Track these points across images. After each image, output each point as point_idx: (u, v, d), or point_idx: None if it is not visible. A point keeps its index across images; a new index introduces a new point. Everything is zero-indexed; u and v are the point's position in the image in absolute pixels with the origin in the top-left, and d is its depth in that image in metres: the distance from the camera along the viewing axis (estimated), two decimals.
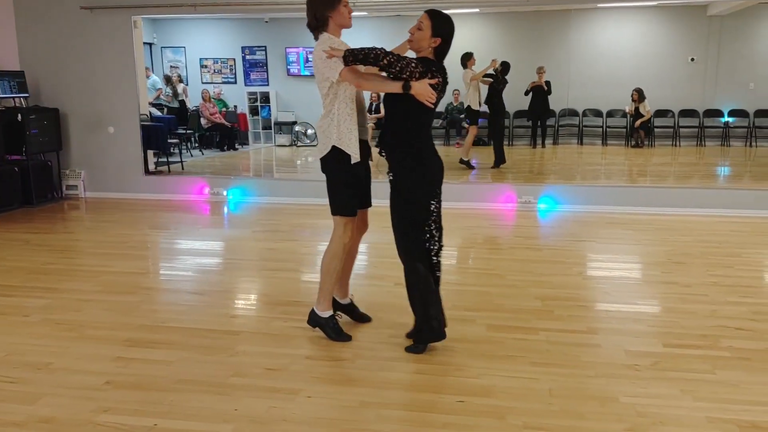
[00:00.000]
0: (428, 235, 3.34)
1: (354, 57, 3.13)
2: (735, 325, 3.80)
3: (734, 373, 3.18)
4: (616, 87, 12.04)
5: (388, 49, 3.19)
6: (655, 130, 12.25)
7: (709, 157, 11.43)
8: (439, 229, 3.40)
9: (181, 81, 13.12)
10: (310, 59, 13.36)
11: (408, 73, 3.07)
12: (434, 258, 3.40)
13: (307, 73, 13.47)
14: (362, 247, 5.87)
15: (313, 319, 3.65)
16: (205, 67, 14.09)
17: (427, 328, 3.40)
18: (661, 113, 12.27)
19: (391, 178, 3.34)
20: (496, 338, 3.61)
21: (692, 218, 6.71)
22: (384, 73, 3.23)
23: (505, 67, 10.04)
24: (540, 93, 11.45)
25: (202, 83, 13.93)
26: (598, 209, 7.07)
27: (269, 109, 13.81)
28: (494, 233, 6.26)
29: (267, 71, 13.85)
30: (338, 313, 3.71)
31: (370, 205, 3.68)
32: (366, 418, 2.78)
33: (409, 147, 3.25)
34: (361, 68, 3.31)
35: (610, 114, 12.45)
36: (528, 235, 6.21)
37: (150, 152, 8.62)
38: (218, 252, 5.71)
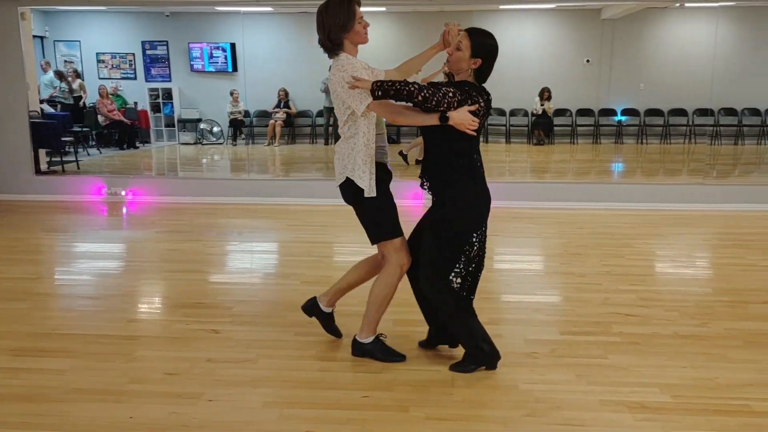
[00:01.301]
0: (459, 280, 3.11)
1: (384, 93, 2.82)
2: (625, 311, 4.01)
3: (624, 357, 3.35)
4: (518, 87, 12.43)
5: (419, 82, 2.94)
6: (554, 128, 12.77)
7: (604, 154, 12.04)
8: (478, 264, 3.14)
9: (78, 76, 12.47)
10: (215, 55, 13.05)
11: (445, 106, 2.81)
12: (464, 293, 3.15)
13: (211, 69, 13.13)
14: (271, 246, 5.82)
15: (359, 349, 3.32)
16: (103, 62, 13.45)
17: (479, 354, 3.15)
18: (559, 112, 12.80)
19: (431, 206, 3.15)
20: (400, 332, 3.63)
21: (588, 211, 7.04)
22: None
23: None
24: None
25: (100, 79, 13.29)
26: (503, 204, 7.28)
27: (172, 106, 13.36)
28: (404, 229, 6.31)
29: (169, 67, 13.38)
30: (382, 334, 3.36)
31: None
32: (269, 418, 2.73)
33: (452, 177, 3.00)
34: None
35: (513, 113, 12.86)
36: None
37: (42, 151, 8.13)
38: (117, 255, 5.46)
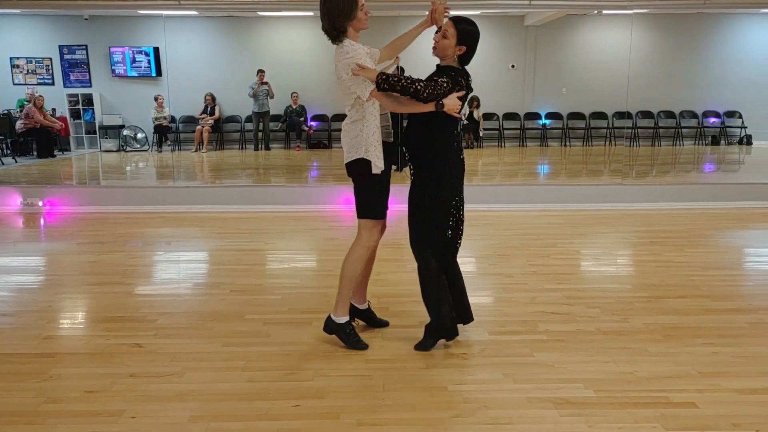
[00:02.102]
0: (450, 232, 3.43)
1: (390, 87, 3.11)
2: (551, 310, 4.11)
3: (550, 354, 3.43)
4: None
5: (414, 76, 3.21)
6: (482, 132, 13.02)
7: (529, 156, 12.35)
8: (459, 226, 3.50)
9: None
10: (137, 59, 12.65)
11: (435, 96, 3.11)
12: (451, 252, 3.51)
13: (134, 73, 12.73)
14: (199, 255, 5.67)
15: (329, 326, 3.53)
16: (17, 67, 12.83)
17: (439, 326, 3.43)
18: (487, 116, 13.06)
19: (412, 176, 3.42)
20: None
21: (515, 213, 7.20)
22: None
23: (402, 72, 10.18)
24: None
25: (14, 84, 12.68)
26: None
27: (93, 113, 12.88)
28: (332, 234, 6.29)
29: (89, 72, 12.90)
30: (355, 319, 3.62)
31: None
32: None
33: (433, 150, 3.30)
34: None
35: None
36: None
37: None
38: (33, 268, 5.20)
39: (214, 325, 3.84)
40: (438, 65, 3.39)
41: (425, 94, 3.10)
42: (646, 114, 13.22)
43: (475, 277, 4.89)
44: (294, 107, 12.55)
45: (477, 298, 4.38)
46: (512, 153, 12.69)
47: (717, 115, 13.29)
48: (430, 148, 3.31)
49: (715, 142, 13.27)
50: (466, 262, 5.39)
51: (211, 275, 4.98)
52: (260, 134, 12.21)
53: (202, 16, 12.12)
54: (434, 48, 3.32)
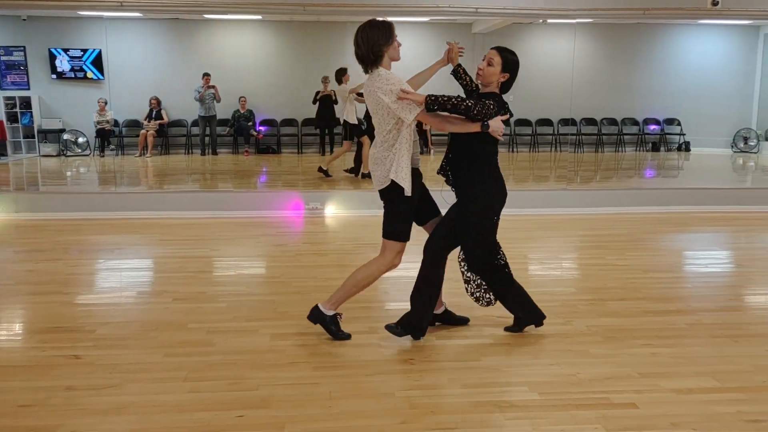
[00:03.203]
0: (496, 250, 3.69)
1: (439, 105, 3.27)
2: (498, 313, 4.13)
3: (496, 357, 3.47)
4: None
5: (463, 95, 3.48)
6: (432, 137, 13.12)
7: None
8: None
9: None
10: (78, 61, 12.27)
11: (484, 116, 3.29)
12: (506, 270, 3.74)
13: (75, 76, 12.34)
14: (141, 262, 5.52)
15: (315, 315, 3.65)
16: None
17: (417, 325, 3.60)
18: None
19: (455, 196, 3.66)
20: (278, 347, 3.56)
21: None
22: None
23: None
24: (327, 102, 11.68)
25: None
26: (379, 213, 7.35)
27: (31, 116, 12.44)
28: (281, 240, 6.22)
29: (27, 74, 12.45)
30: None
31: (439, 213, 3.78)
32: None
33: (483, 174, 3.50)
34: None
35: None
36: (315, 240, 6.26)
37: None
38: None
39: (155, 335, 3.74)
40: (479, 92, 3.59)
41: (475, 111, 3.26)
42: (590, 121, 13.56)
43: None
44: (242, 112, 12.40)
45: None
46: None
47: (657, 122, 13.73)
48: (471, 169, 3.50)
49: (656, 148, 13.70)
50: (411, 267, 5.40)
51: (154, 283, 4.85)
52: (207, 139, 12.02)
53: (147, 18, 11.87)
54: (478, 75, 3.53)
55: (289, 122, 12.58)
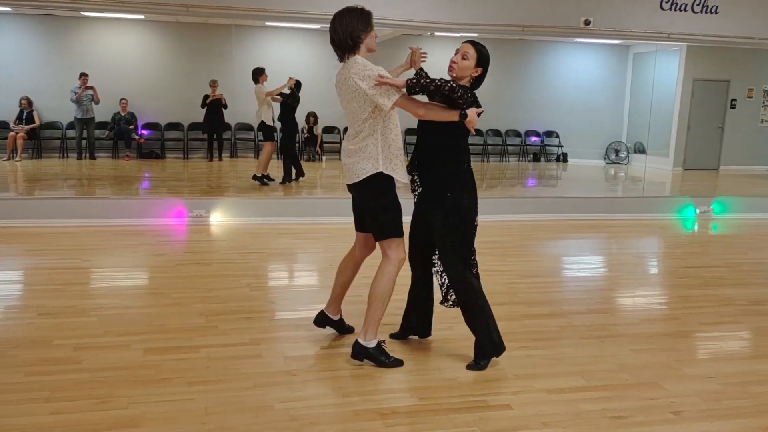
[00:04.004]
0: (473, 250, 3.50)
1: (422, 87, 3.26)
2: (384, 320, 4.12)
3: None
4: None
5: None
6: (325, 145, 13.09)
7: None
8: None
9: None
10: None
11: (464, 101, 3.25)
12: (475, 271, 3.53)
13: None
14: (6, 275, 5.10)
15: (358, 352, 3.43)
16: None
17: (489, 342, 3.44)
18: (329, 129, 13.15)
19: (417, 196, 3.54)
20: (152, 362, 3.38)
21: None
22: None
23: (299, 85, 9.91)
24: (217, 106, 11.37)
25: None
26: (271, 221, 7.23)
27: None
28: (161, 250, 5.95)
29: None
30: (383, 340, 3.52)
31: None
32: None
33: (459, 168, 3.39)
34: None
35: None
36: (197, 249, 6.05)
37: None
38: None
39: (16, 353, 3.45)
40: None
41: (459, 93, 3.23)
42: (477, 132, 14.04)
43: (310, 292, 4.86)
44: (123, 114, 11.81)
45: (310, 312, 4.32)
46: None
47: (537, 134, 14.42)
48: (443, 165, 3.40)
49: (536, 159, 14.39)
50: (305, 275, 5.35)
51: (17, 298, 4.49)
52: (84, 142, 11.34)
53: (17, 14, 11.06)
54: (451, 69, 3.43)
55: (174, 126, 12.12)
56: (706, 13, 8.28)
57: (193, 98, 11.18)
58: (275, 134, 9.99)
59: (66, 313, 4.11)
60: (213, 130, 11.69)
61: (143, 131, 11.91)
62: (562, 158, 14.35)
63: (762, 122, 13.57)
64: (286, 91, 9.94)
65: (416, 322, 3.83)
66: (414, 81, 3.26)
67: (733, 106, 13.27)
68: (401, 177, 3.37)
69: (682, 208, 8.66)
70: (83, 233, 6.46)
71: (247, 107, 12.26)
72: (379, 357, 3.43)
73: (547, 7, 7.85)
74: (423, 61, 3.69)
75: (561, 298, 4.85)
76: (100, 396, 2.99)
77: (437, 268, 3.67)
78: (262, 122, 9.71)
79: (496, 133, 14.17)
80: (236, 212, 7.27)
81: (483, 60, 3.42)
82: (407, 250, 3.56)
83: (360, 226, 3.66)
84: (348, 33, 3.29)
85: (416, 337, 3.87)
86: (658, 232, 7.68)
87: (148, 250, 5.90)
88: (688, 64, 12.89)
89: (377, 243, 3.51)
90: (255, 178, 9.58)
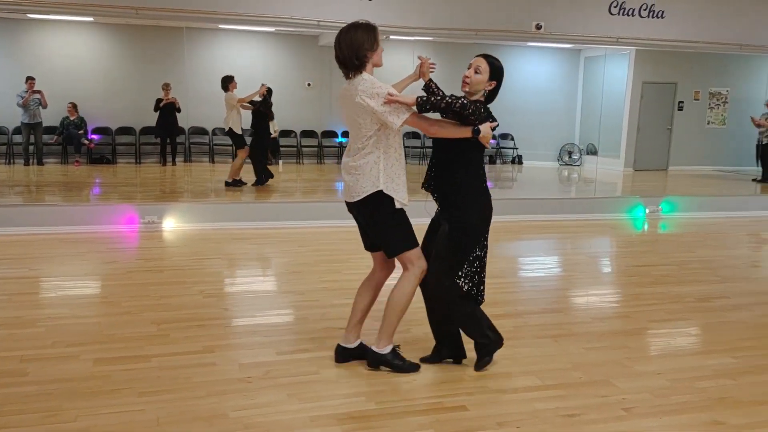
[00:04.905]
0: (478, 266, 3.42)
1: (432, 105, 3.18)
2: (340, 325, 4.12)
3: (336, 370, 3.45)
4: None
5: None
6: (281, 149, 13.00)
7: (327, 174, 12.57)
8: (484, 264, 3.48)
9: None
10: None
11: (476, 116, 3.17)
12: (477, 290, 3.48)
13: None
14: None
15: (374, 359, 3.41)
16: None
17: (487, 341, 3.46)
18: (285, 133, 13.06)
19: (438, 212, 3.47)
20: (102, 372, 3.30)
21: (312, 230, 7.23)
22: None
23: (270, 91, 9.89)
24: (170, 110, 11.18)
25: None
26: (226, 225, 7.13)
27: None
28: (112, 257, 5.81)
29: None
30: (398, 345, 3.48)
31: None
32: None
33: (471, 184, 3.33)
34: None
35: None
36: (149, 256, 5.92)
37: None
38: None
39: None
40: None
41: (470, 110, 3.15)
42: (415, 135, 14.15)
43: (265, 297, 4.81)
44: (72, 119, 11.50)
45: (265, 318, 4.30)
46: (311, 170, 12.80)
47: (493, 137, 14.58)
48: (456, 180, 3.32)
49: (492, 161, 14.56)
50: (260, 281, 5.29)
51: None
52: (31, 148, 11.00)
53: None
54: (465, 84, 3.35)
55: (125, 131, 11.87)
56: (652, 17, 8.51)
57: (144, 102, 10.97)
58: (245, 140, 9.98)
59: (12, 324, 3.98)
60: (166, 134, 11.49)
61: (93, 136, 11.62)
62: (518, 160, 14.55)
63: (708, 123, 14.00)
64: (258, 98, 9.95)
65: (443, 347, 3.62)
66: (424, 99, 3.19)
67: (680, 108, 13.65)
68: (401, 198, 3.28)
69: (632, 208, 8.87)
70: (30, 241, 6.27)
71: (200, 111, 12.09)
72: (395, 362, 3.41)
73: (500, 11, 7.96)
74: (432, 71, 3.61)
75: (516, 298, 4.91)
76: (48, 409, 2.90)
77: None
78: (231, 129, 9.67)
79: None
80: (190, 218, 7.14)
81: (496, 73, 3.35)
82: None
83: (369, 245, 3.56)
84: (354, 52, 3.20)
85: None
86: (609, 231, 7.86)
87: (98, 258, 5.75)
88: (637, 68, 13.22)
89: (394, 259, 3.43)
90: (227, 184, 9.56)
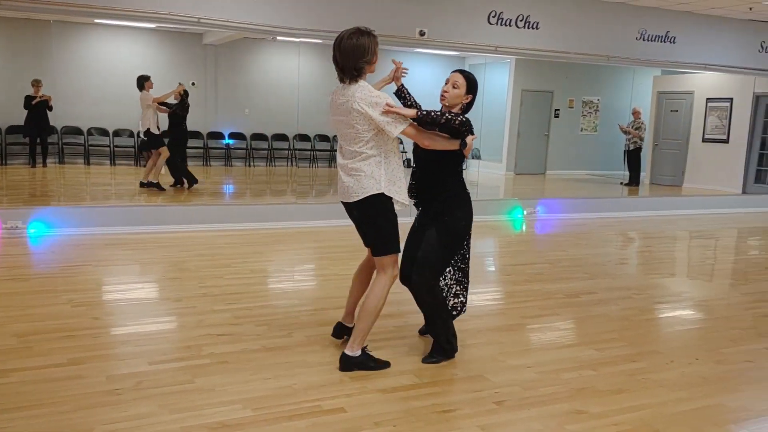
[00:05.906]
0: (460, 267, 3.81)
1: (432, 120, 3.38)
2: (218, 331, 4.05)
3: (212, 378, 3.36)
4: (120, 106, 11.81)
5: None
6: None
7: (213, 176, 12.24)
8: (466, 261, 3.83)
9: None
10: None
11: (467, 131, 3.44)
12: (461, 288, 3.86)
13: None
14: None
15: (347, 363, 3.48)
16: None
17: (449, 347, 3.70)
18: (163, 135, 12.58)
19: (416, 218, 3.79)
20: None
21: (193, 234, 7.00)
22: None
23: (186, 93, 9.59)
24: (42, 108, 10.47)
25: None
26: (99, 231, 6.77)
27: None
28: None
29: None
30: (365, 345, 3.55)
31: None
32: None
33: (455, 192, 3.61)
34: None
35: (117, 133, 12.19)
36: (13, 264, 5.52)
37: None
38: None
39: None
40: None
41: (458, 123, 3.40)
42: (323, 137, 14.13)
43: (140, 305, 4.61)
44: None
45: (139, 327, 4.13)
46: (195, 172, 12.41)
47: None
48: (442, 189, 3.60)
49: (408, 165, 14.75)
50: (134, 288, 5.06)
51: None
52: None
53: None
54: (443, 98, 3.62)
55: (15, 130, 11.01)
56: (528, 28, 8.95)
57: (9, 99, 10.23)
58: (162, 140, 9.63)
59: None
60: (37, 133, 10.77)
61: None
62: (406, 164, 14.82)
63: (582, 130, 14.89)
64: (174, 100, 9.68)
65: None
66: (424, 114, 3.37)
67: (556, 116, 14.45)
68: (403, 199, 3.48)
69: (511, 210, 9.28)
70: None
71: (74, 109, 11.43)
72: (368, 363, 3.52)
73: (386, 16, 8.07)
74: (404, 76, 3.83)
75: (399, 298, 4.97)
76: None
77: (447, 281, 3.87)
78: (148, 130, 9.40)
79: (324, 138, 14.24)
80: (59, 222, 6.72)
81: (472, 87, 3.62)
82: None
83: (367, 242, 3.71)
84: (357, 58, 3.34)
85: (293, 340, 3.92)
86: (490, 232, 8.18)
87: None
88: (517, 76, 13.85)
89: (374, 258, 3.57)
90: (142, 185, 9.24)
